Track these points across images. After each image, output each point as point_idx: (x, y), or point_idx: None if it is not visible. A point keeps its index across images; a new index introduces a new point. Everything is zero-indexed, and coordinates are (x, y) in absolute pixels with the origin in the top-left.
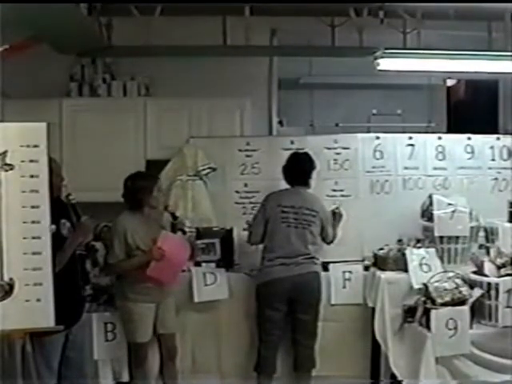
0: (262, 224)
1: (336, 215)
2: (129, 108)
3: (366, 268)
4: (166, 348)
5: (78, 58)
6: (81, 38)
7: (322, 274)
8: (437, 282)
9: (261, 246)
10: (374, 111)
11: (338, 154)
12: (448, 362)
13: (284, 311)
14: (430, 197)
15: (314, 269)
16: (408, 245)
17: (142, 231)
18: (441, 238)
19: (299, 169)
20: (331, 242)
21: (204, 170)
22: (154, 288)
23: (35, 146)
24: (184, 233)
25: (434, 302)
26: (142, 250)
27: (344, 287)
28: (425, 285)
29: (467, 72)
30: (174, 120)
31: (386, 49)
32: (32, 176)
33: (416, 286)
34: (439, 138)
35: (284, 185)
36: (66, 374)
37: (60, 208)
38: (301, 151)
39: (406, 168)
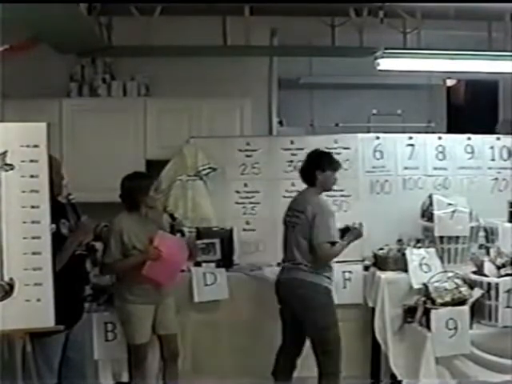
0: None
1: (350, 231)
2: (129, 108)
3: (366, 268)
4: (168, 349)
5: (78, 57)
6: (81, 38)
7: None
8: (437, 282)
9: (260, 247)
10: (374, 111)
11: (338, 154)
12: (448, 362)
13: (284, 314)
14: (430, 197)
15: (299, 275)
16: (408, 245)
17: (139, 231)
18: (441, 237)
19: (301, 167)
20: (324, 256)
21: (204, 169)
22: (152, 289)
23: (35, 146)
24: (183, 234)
25: (433, 302)
26: (138, 250)
27: (344, 287)
28: (425, 285)
29: (467, 72)
30: (174, 120)
31: (386, 49)
32: (32, 176)
33: (416, 286)
34: (439, 138)
35: (284, 185)
36: (66, 375)
37: (58, 207)
38: (316, 149)
39: (406, 168)
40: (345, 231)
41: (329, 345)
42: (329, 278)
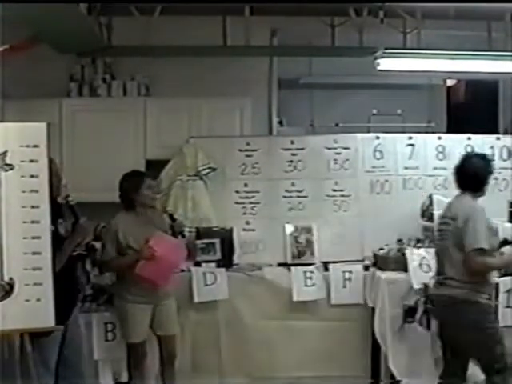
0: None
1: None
2: (129, 108)
3: (366, 268)
4: (166, 350)
5: (78, 57)
6: (81, 38)
7: (325, 273)
8: None
9: (260, 247)
10: (374, 111)
11: (338, 153)
12: None
13: (442, 334)
14: (430, 197)
15: (448, 292)
16: (408, 245)
17: (135, 230)
18: None
19: (463, 172)
20: (473, 267)
21: (204, 169)
22: (148, 289)
23: (35, 146)
24: (183, 236)
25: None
26: (133, 249)
27: (344, 287)
28: (425, 285)
29: (467, 72)
30: (174, 120)
31: (386, 49)
32: (32, 176)
33: (416, 286)
34: (439, 138)
35: (284, 185)
36: (63, 374)
37: (56, 208)
38: (477, 153)
39: (406, 168)
40: (503, 244)
41: (494, 363)
42: (485, 293)
